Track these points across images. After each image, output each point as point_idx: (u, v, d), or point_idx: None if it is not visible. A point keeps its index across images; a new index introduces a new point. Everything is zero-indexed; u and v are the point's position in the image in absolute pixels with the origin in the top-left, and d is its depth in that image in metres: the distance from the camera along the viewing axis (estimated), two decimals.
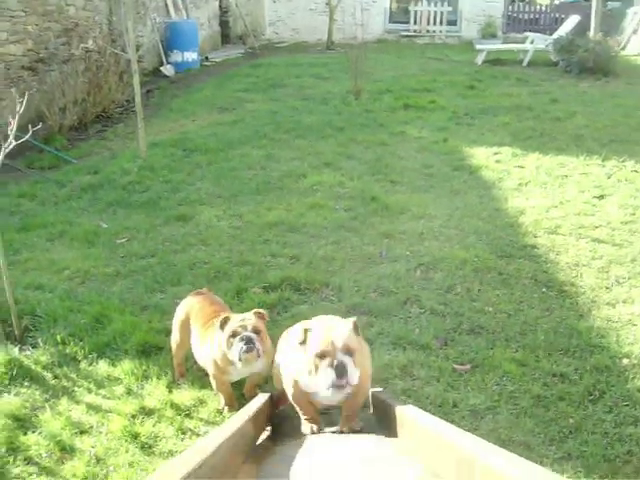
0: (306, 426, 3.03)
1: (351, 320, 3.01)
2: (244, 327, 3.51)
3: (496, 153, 8.83)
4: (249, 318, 3.60)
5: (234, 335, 3.50)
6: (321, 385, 2.79)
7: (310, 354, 2.84)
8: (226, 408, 3.94)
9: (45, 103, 9.62)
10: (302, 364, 2.93)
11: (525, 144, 9.23)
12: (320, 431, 2.97)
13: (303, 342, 2.93)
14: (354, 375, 2.77)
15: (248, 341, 3.47)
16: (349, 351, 2.79)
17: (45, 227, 6.66)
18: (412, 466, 2.03)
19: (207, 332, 3.86)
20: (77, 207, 7.24)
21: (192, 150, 8.96)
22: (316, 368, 2.80)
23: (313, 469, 2.19)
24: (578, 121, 10.48)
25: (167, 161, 8.49)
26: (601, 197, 7.23)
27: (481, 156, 8.72)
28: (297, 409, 3.11)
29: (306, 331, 2.94)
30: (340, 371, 2.72)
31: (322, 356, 2.78)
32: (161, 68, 14.99)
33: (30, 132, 4.59)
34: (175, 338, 4.21)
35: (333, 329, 2.90)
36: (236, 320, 3.58)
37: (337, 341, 2.79)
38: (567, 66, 14.57)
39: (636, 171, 8.04)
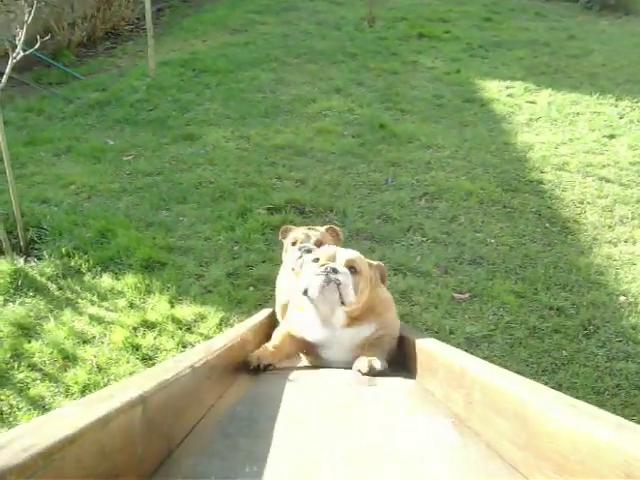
0: (258, 353, 2.34)
1: (378, 262, 2.64)
2: (307, 236, 3.16)
3: (508, 87, 8.69)
4: (317, 228, 3.32)
5: (294, 243, 3.16)
6: (303, 283, 2.39)
7: (307, 263, 2.50)
8: None
9: (54, 17, 9.40)
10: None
11: (538, 80, 9.08)
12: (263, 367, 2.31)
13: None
14: (349, 290, 2.33)
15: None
16: (352, 267, 2.39)
17: (52, 142, 6.62)
18: (405, 381, 2.07)
19: None
20: (84, 123, 7.17)
21: (202, 70, 8.81)
22: (306, 272, 2.45)
23: (310, 373, 2.23)
24: (594, 59, 10.27)
25: (176, 80, 8.37)
26: (611, 137, 7.15)
27: (493, 89, 8.59)
28: (273, 338, 2.59)
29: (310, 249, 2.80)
30: (328, 273, 2.34)
31: (317, 260, 2.45)
32: None
33: (39, 43, 4.50)
34: None
35: (340, 249, 2.55)
36: (300, 230, 3.27)
37: (340, 254, 2.45)
38: (588, 2, 14.20)
39: None
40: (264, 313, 3.27)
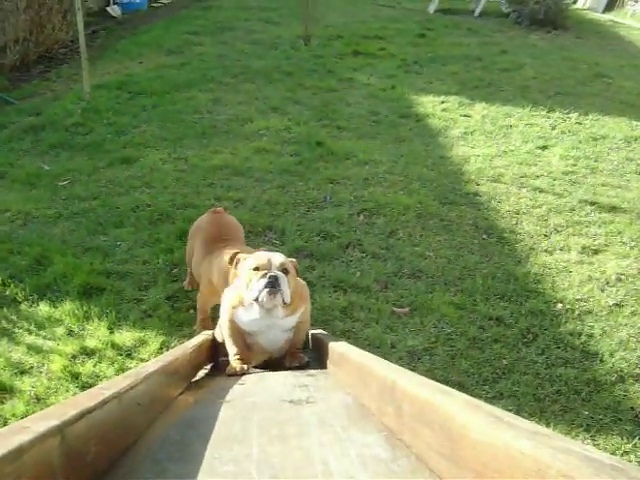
0: (234, 365, 2.94)
1: (292, 259, 3.04)
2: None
3: (443, 102, 8.84)
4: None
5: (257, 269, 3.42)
6: (252, 295, 2.78)
7: (246, 269, 2.87)
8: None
9: None
10: (235, 296, 2.95)
11: (472, 93, 9.26)
12: (242, 374, 2.85)
13: (235, 265, 3.04)
14: (287, 292, 2.80)
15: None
16: (285, 270, 2.84)
17: None
18: (344, 397, 2.06)
19: (210, 249, 3.90)
20: (18, 149, 7.00)
21: (138, 93, 8.71)
22: (249, 281, 2.81)
23: (246, 394, 2.21)
24: (526, 73, 10.54)
25: (112, 103, 8.24)
26: (544, 147, 7.32)
27: (428, 104, 8.71)
28: (228, 347, 3.05)
29: (241, 258, 3.02)
30: (272, 283, 2.75)
31: (257, 269, 2.81)
32: (107, 8, 14.47)
33: None
34: (188, 253, 4.36)
35: (272, 253, 2.94)
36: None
37: (274, 259, 2.85)
38: (518, 17, 14.57)
39: (579, 123, 8.16)
40: (201, 337, 3.22)
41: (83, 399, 1.21)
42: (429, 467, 1.24)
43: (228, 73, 9.84)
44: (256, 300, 2.79)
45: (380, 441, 1.45)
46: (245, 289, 2.85)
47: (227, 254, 3.46)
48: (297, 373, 2.74)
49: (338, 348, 2.67)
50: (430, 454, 1.25)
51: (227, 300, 3.06)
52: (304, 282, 3.21)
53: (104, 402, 1.23)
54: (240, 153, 6.92)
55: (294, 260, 3.04)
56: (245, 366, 2.87)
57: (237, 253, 3.31)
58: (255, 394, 2.20)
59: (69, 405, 1.13)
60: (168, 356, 2.25)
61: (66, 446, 1.00)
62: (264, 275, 2.78)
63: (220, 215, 4.26)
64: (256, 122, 7.80)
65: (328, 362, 2.83)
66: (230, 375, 2.80)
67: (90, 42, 10.47)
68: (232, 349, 3.00)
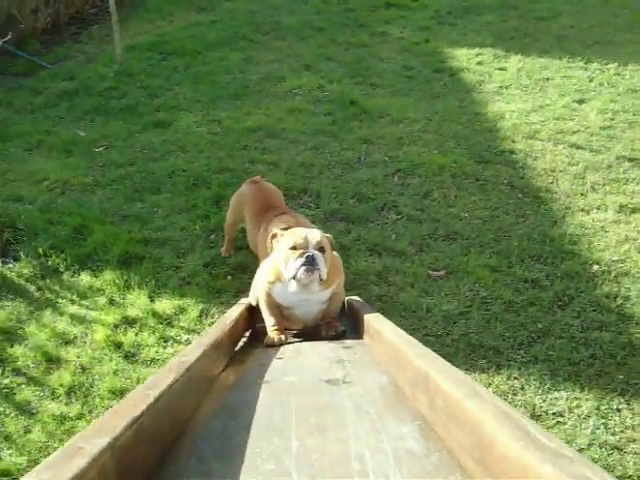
0: (271, 335, 3.06)
1: (328, 235, 3.16)
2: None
3: (478, 54, 8.68)
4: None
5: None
6: (290, 273, 2.93)
7: (284, 249, 3.00)
8: None
9: (16, 5, 9.21)
10: (272, 271, 3.10)
11: (507, 45, 9.07)
12: (280, 344, 2.99)
13: (277, 242, 3.12)
14: (324, 270, 2.94)
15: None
16: (321, 249, 2.97)
17: (22, 137, 6.55)
18: (379, 376, 2.11)
19: (260, 220, 4.06)
20: (54, 115, 7.09)
21: (169, 53, 8.71)
22: (287, 260, 2.96)
23: (285, 371, 2.28)
24: (563, 21, 10.27)
25: (144, 65, 8.26)
26: (581, 101, 7.18)
27: (462, 58, 8.57)
28: (266, 318, 3.18)
29: (281, 234, 3.11)
30: (310, 261, 2.89)
31: (294, 248, 2.94)
32: None
33: (9, 37, 4.42)
34: (228, 221, 4.54)
35: (308, 230, 3.09)
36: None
37: (311, 238, 2.98)
38: None
39: (618, 74, 7.96)
40: (238, 308, 3.29)
41: (130, 405, 1.28)
42: (460, 465, 1.29)
43: (259, 30, 9.76)
44: (294, 278, 2.94)
45: (414, 432, 1.50)
46: (283, 267, 2.98)
47: (277, 225, 3.62)
48: (333, 344, 2.81)
49: (374, 322, 2.72)
50: (461, 453, 1.30)
51: (263, 274, 3.20)
52: (337, 255, 3.32)
53: (151, 407, 1.29)
54: (273, 114, 6.92)
55: (329, 235, 3.14)
56: (283, 336, 3.04)
57: (275, 233, 3.43)
58: (293, 372, 2.26)
59: (118, 415, 1.19)
60: (207, 337, 2.32)
61: (118, 459, 1.07)
62: (302, 254, 2.91)
63: (260, 184, 4.32)
64: (289, 81, 7.77)
65: (364, 333, 2.90)
66: (268, 346, 2.98)
67: (120, 1, 10.42)
68: (269, 320, 3.15)
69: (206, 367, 2.03)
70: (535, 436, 1.03)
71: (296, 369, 2.34)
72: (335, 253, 3.28)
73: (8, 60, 8.56)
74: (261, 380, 2.09)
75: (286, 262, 2.96)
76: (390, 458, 1.35)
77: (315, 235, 3.02)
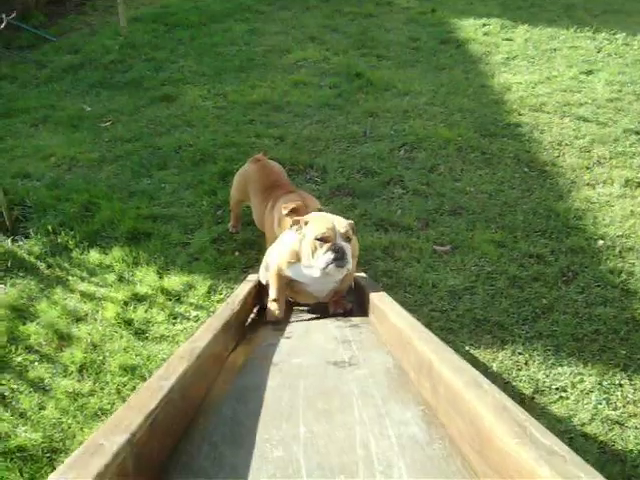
0: (271, 308, 3.14)
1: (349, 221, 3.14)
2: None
3: (485, 25, 8.64)
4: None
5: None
6: (320, 264, 2.90)
7: (310, 237, 2.96)
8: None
9: None
10: (291, 252, 3.09)
11: (515, 15, 9.02)
12: (278, 322, 3.07)
13: (299, 229, 3.08)
14: (351, 262, 2.95)
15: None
16: (347, 238, 2.95)
17: (28, 112, 6.56)
18: (385, 358, 2.16)
19: (265, 198, 4.13)
20: (59, 89, 7.10)
21: (174, 25, 8.69)
22: (315, 250, 2.93)
23: (292, 352, 2.33)
24: None
25: (149, 37, 8.25)
26: (589, 72, 7.15)
27: (469, 28, 8.53)
28: (270, 290, 3.21)
29: (305, 221, 3.07)
30: (341, 255, 2.88)
31: (323, 239, 2.91)
32: None
33: (14, 14, 4.41)
34: (233, 199, 4.59)
35: (334, 218, 3.05)
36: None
37: (338, 228, 2.94)
38: None
39: (627, 44, 7.92)
40: (247, 286, 3.33)
41: (145, 397, 1.33)
42: (461, 454, 1.34)
43: (264, 0, 9.70)
44: (324, 269, 2.92)
45: (417, 418, 1.55)
46: (310, 256, 2.97)
47: (284, 205, 3.70)
48: (340, 323, 2.86)
49: (379, 303, 2.76)
50: (462, 442, 1.35)
51: (282, 253, 3.19)
52: (355, 238, 3.30)
53: (165, 399, 1.34)
54: (279, 87, 6.91)
55: (352, 222, 3.11)
56: (280, 311, 3.13)
57: (298, 220, 3.43)
58: (300, 354, 2.31)
59: (134, 409, 1.24)
60: (217, 319, 2.36)
61: (136, 454, 1.12)
62: (331, 247, 2.90)
63: (263, 162, 4.35)
64: (294, 53, 7.75)
65: (370, 313, 2.94)
66: (270, 321, 3.09)
67: None
68: (272, 292, 3.20)
69: (216, 351, 2.08)
70: (532, 432, 1.07)
71: (303, 350, 2.39)
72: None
73: (12, 33, 8.52)
74: (269, 362, 2.14)
75: (313, 252, 2.94)
76: (394, 445, 1.40)
77: (341, 225, 2.98)
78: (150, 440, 1.21)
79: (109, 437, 1.09)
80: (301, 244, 3.02)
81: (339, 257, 2.87)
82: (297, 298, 3.36)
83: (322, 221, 3.00)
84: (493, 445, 1.13)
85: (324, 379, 1.94)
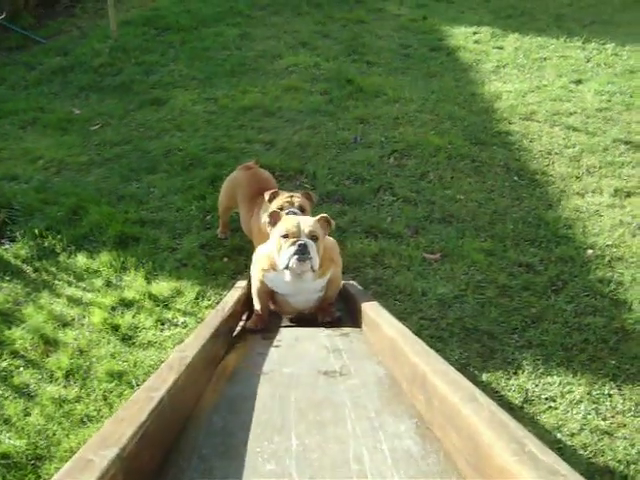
0: (253, 321, 3.17)
1: (321, 215, 3.13)
2: (291, 203, 3.64)
3: (475, 33, 8.66)
4: (297, 195, 3.74)
5: (281, 209, 3.56)
6: (283, 261, 2.91)
7: (276, 237, 2.99)
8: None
9: None
10: (265, 260, 3.10)
11: (505, 23, 9.05)
12: (262, 330, 3.07)
13: (272, 225, 3.11)
14: (316, 259, 2.92)
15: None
16: (314, 237, 2.94)
17: (17, 114, 6.52)
18: (376, 368, 2.14)
19: (253, 206, 4.12)
20: (48, 92, 7.07)
21: (165, 28, 8.65)
22: (280, 248, 2.94)
23: (282, 362, 2.31)
24: None
25: (139, 41, 8.21)
26: (578, 82, 7.18)
27: (460, 36, 8.54)
28: (254, 303, 3.23)
29: (274, 222, 3.11)
30: (302, 250, 2.87)
31: (286, 236, 2.92)
32: None
33: (3, 15, 4.38)
34: (222, 206, 4.55)
35: (300, 218, 3.07)
36: (284, 196, 3.71)
37: (303, 226, 2.94)
38: None
39: (616, 54, 7.95)
40: (236, 293, 3.31)
41: (135, 409, 1.30)
42: (457, 469, 1.32)
43: (255, 5, 9.70)
44: (286, 267, 2.92)
45: (411, 431, 1.53)
46: (276, 255, 2.98)
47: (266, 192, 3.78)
48: (330, 332, 2.84)
49: (370, 311, 2.75)
50: (458, 456, 1.33)
51: (258, 261, 3.21)
52: (334, 241, 3.33)
53: (155, 411, 1.31)
54: (270, 92, 6.90)
55: (325, 215, 3.12)
56: (261, 325, 3.12)
57: (276, 192, 3.66)
58: (291, 363, 2.28)
59: (124, 422, 1.21)
60: (206, 328, 2.34)
61: (126, 468, 1.09)
62: (293, 243, 2.89)
63: (254, 170, 4.34)
64: (285, 58, 7.74)
65: (362, 322, 2.93)
66: (249, 331, 3.09)
67: None
68: (256, 305, 3.22)
69: (206, 359, 2.06)
70: (530, 450, 1.06)
71: (294, 359, 2.37)
72: (332, 240, 3.30)
73: (1, 34, 8.48)
74: (259, 371, 2.12)
75: (279, 250, 2.95)
76: (388, 459, 1.38)
77: (308, 223, 2.99)
78: (140, 453, 1.19)
79: (98, 452, 1.06)
80: (271, 247, 3.06)
81: (300, 251, 2.86)
82: (282, 311, 3.36)
83: (288, 220, 3.04)
84: (492, 462, 1.12)
85: (315, 389, 1.92)
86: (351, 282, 3.76)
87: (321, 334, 2.80)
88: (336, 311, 3.31)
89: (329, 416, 1.66)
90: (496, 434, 1.15)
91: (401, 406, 1.72)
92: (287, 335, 2.85)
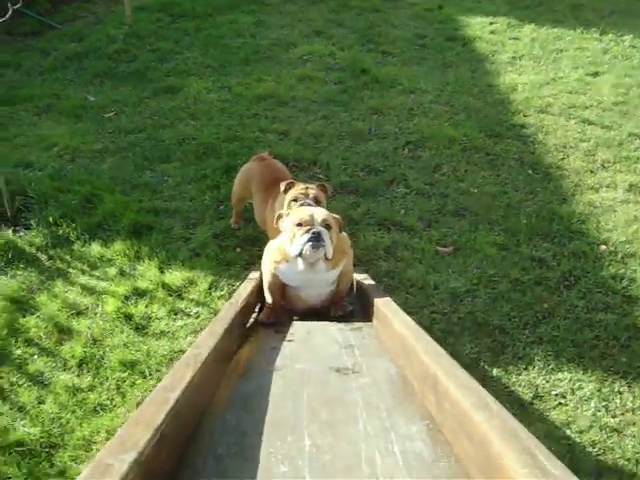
0: (266, 313, 3.20)
1: (337, 216, 3.17)
2: (306, 194, 3.64)
3: (492, 23, 8.60)
4: (312, 187, 3.74)
5: (295, 200, 3.62)
6: (296, 249, 2.93)
7: (289, 225, 3.02)
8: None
9: None
10: (277, 251, 3.13)
11: (522, 14, 8.98)
12: (274, 323, 3.10)
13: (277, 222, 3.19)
14: (329, 247, 2.94)
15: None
16: (327, 226, 2.98)
17: (32, 100, 6.54)
18: (388, 366, 2.16)
19: (267, 196, 4.13)
20: (63, 78, 7.08)
21: (180, 15, 8.64)
22: (293, 236, 2.96)
23: (294, 357, 2.32)
24: None
25: (154, 27, 8.20)
26: (595, 74, 7.13)
27: (476, 26, 8.49)
28: (266, 296, 3.26)
29: (284, 214, 3.19)
30: (316, 237, 2.89)
31: (300, 224, 2.95)
32: None
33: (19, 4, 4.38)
34: (236, 196, 4.55)
35: (314, 209, 3.13)
36: (299, 187, 3.71)
37: (316, 215, 2.99)
38: None
39: (634, 46, 7.89)
40: (249, 285, 3.33)
41: (151, 411, 1.32)
42: (468, 475, 1.33)
43: None
44: (299, 255, 2.94)
45: (422, 433, 1.55)
46: (289, 244, 3.00)
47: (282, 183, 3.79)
48: (342, 326, 2.86)
49: (382, 307, 2.76)
50: (468, 463, 1.34)
51: (269, 254, 3.23)
52: (345, 234, 3.36)
53: (172, 412, 1.33)
54: (284, 81, 6.89)
55: (337, 216, 3.16)
56: (272, 319, 3.15)
57: (292, 182, 3.68)
58: (303, 359, 2.30)
59: (141, 425, 1.23)
60: (220, 322, 2.36)
61: (144, 471, 1.11)
62: (307, 230, 2.92)
63: (268, 161, 4.35)
64: (300, 47, 7.72)
65: (373, 317, 2.94)
66: (261, 324, 3.13)
67: None
68: (268, 299, 3.25)
69: (220, 355, 2.08)
70: (541, 462, 1.07)
71: (306, 355, 2.39)
72: (343, 234, 3.31)
73: (16, 19, 8.45)
74: (272, 367, 2.14)
75: (292, 239, 2.97)
76: (399, 461, 1.40)
77: (321, 213, 3.04)
78: (157, 456, 1.21)
79: (117, 456, 1.09)
80: (284, 238, 3.07)
81: (315, 238, 2.89)
82: (293, 307, 3.35)
83: (302, 210, 3.10)
84: (502, 473, 1.13)
85: (327, 387, 1.93)
86: (363, 275, 3.76)
87: (333, 328, 2.82)
88: (348, 305, 3.33)
89: (341, 415, 1.67)
90: (507, 444, 1.16)
91: (412, 406, 1.73)
92: (300, 329, 2.87)
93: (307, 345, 2.55)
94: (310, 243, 2.89)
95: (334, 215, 3.14)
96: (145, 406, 1.36)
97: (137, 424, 1.25)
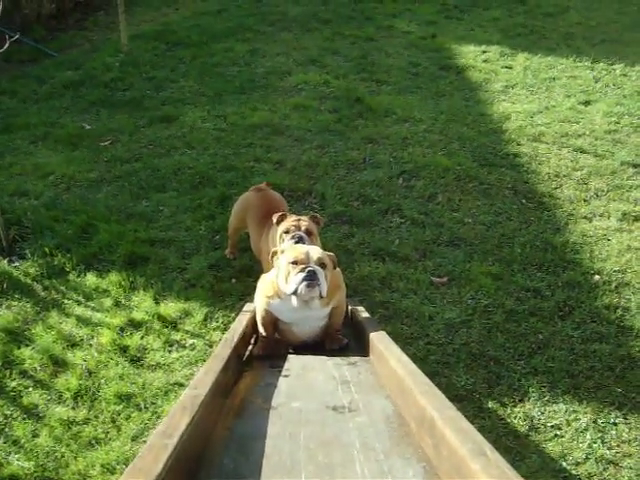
0: (259, 347, 3.24)
1: (330, 253, 3.21)
2: (298, 227, 3.66)
3: (484, 52, 8.69)
4: (304, 219, 3.76)
5: (287, 232, 3.65)
6: (291, 287, 2.95)
7: (284, 263, 3.03)
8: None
9: None
10: (269, 287, 3.16)
11: (514, 42, 9.08)
12: (269, 356, 3.12)
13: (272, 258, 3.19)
14: (324, 286, 2.96)
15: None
16: (322, 264, 3.00)
17: (28, 128, 6.57)
18: (385, 404, 2.16)
19: (263, 227, 4.16)
20: (59, 106, 7.12)
21: (175, 43, 8.73)
22: (288, 274, 2.98)
23: (291, 395, 2.32)
24: (571, 17, 10.28)
25: (150, 55, 8.28)
26: (587, 103, 7.20)
27: (469, 55, 8.58)
28: (259, 330, 3.28)
29: (279, 251, 3.19)
30: (311, 276, 2.92)
31: (295, 263, 2.97)
32: None
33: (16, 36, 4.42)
34: (232, 226, 4.59)
35: (309, 247, 3.14)
36: (291, 219, 3.74)
37: (312, 253, 3.01)
38: None
39: (625, 75, 7.97)
40: (244, 318, 3.33)
41: (150, 459, 1.32)
42: None
43: (265, 21, 9.78)
44: (294, 293, 2.97)
45: (419, 476, 1.55)
46: (283, 282, 3.02)
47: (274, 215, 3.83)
48: (338, 360, 2.86)
49: (378, 344, 2.77)
50: None
51: (262, 289, 3.26)
52: (338, 270, 3.37)
53: (170, 459, 1.34)
54: (279, 110, 6.94)
55: (331, 254, 3.19)
56: (266, 351, 3.19)
57: (284, 214, 3.73)
58: (299, 396, 2.31)
59: (141, 471, 1.24)
60: (216, 360, 2.36)
61: None
62: (302, 269, 2.94)
63: (265, 192, 4.38)
64: (294, 75, 7.79)
65: (369, 352, 2.95)
66: (257, 357, 3.17)
67: None
68: (261, 332, 3.28)
69: (217, 395, 2.08)
70: None
71: (302, 392, 2.39)
72: (337, 269, 3.32)
73: (12, 46, 8.48)
74: (268, 405, 2.14)
75: (287, 277, 2.98)
76: None
77: (316, 251, 3.06)
78: None
79: None
80: (278, 275, 3.08)
81: (309, 277, 2.91)
82: (287, 340, 3.36)
83: (296, 248, 3.12)
84: None
85: (324, 427, 1.94)
86: (359, 308, 3.77)
87: (329, 362, 2.83)
88: (343, 338, 3.35)
89: (338, 457, 1.68)
90: None
91: (409, 448, 1.73)
92: (295, 363, 2.87)
93: (303, 381, 2.55)
94: (305, 282, 2.92)
95: (328, 253, 3.17)
96: (144, 452, 1.37)
97: (138, 471, 1.25)
